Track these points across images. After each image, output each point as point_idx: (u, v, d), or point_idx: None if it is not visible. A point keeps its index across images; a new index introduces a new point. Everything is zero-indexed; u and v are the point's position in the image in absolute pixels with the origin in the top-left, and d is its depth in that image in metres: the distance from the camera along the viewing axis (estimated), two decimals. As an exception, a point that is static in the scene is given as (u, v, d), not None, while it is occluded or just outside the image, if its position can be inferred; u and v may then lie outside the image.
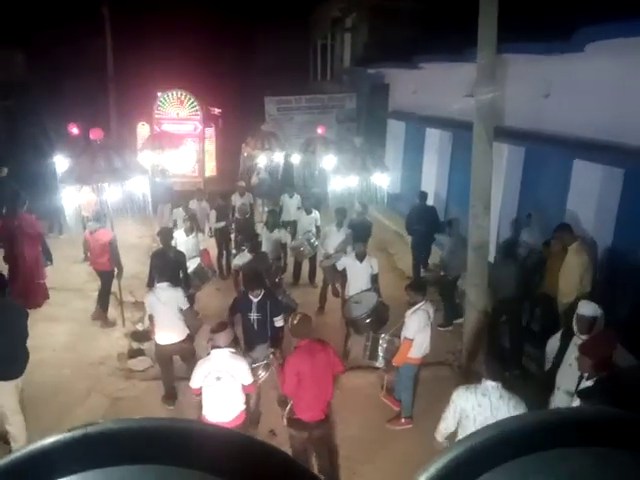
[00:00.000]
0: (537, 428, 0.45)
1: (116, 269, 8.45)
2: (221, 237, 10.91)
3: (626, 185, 7.50)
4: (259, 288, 6.32)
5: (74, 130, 14.14)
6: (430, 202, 10.97)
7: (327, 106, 17.29)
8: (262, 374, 5.53)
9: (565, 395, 4.95)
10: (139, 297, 9.23)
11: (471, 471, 0.43)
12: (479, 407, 4.32)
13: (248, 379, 5.03)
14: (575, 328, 5.02)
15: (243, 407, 5.07)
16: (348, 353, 7.53)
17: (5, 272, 8.70)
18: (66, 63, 19.62)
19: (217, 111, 19.99)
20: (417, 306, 6.13)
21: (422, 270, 10.55)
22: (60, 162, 11.79)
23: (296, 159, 14.47)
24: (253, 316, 6.29)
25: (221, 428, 0.48)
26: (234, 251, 10.31)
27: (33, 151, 13.80)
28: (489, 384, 4.35)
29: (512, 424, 0.46)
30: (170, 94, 15.56)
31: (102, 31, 18.31)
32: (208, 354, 5.11)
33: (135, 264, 9.97)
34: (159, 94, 15.71)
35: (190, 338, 6.60)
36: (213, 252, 10.16)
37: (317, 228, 10.13)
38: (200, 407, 5.11)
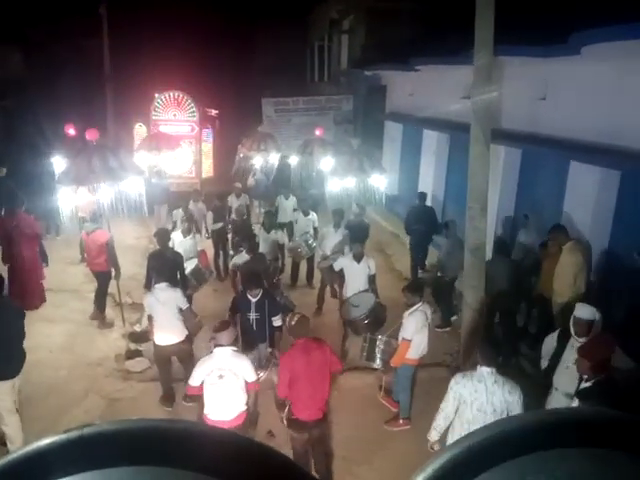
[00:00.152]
0: (535, 428, 0.45)
1: (113, 270, 8.44)
2: (218, 238, 10.90)
3: (622, 187, 7.53)
4: (258, 288, 6.32)
5: (71, 131, 14.12)
6: (427, 204, 11.01)
7: (324, 108, 17.30)
8: (261, 374, 5.53)
9: (562, 396, 4.97)
10: (136, 298, 9.23)
11: (468, 471, 0.43)
12: (476, 392, 4.45)
13: (252, 376, 5.03)
14: (572, 331, 5.01)
15: (244, 407, 5.07)
16: (346, 354, 7.53)
17: (4, 272, 8.72)
18: (63, 63, 19.57)
19: (214, 112, 19.97)
20: (414, 307, 6.15)
21: (420, 271, 10.58)
22: (57, 162, 11.77)
23: (294, 160, 14.47)
24: (252, 316, 6.30)
25: (218, 429, 0.48)
26: (231, 252, 10.32)
27: (30, 151, 13.76)
28: (484, 370, 4.48)
29: (510, 424, 0.46)
30: (167, 95, 15.54)
31: (99, 31, 18.30)
32: (210, 352, 5.11)
33: (132, 265, 9.96)
34: (156, 95, 15.69)
35: (189, 339, 6.59)
36: (210, 253, 10.15)
37: (315, 229, 10.13)
38: (201, 406, 5.10)
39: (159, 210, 12.73)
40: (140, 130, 16.12)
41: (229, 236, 10.85)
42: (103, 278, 8.59)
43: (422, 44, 12.48)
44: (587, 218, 7.79)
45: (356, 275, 7.72)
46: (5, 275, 8.70)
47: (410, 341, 6.04)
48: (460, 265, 7.96)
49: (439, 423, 4.79)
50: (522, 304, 8.53)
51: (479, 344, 4.90)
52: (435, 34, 12.03)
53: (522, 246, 8.54)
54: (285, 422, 5.17)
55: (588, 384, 4.27)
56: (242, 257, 7.97)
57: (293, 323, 5.14)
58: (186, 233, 8.83)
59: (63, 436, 0.44)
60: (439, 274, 8.94)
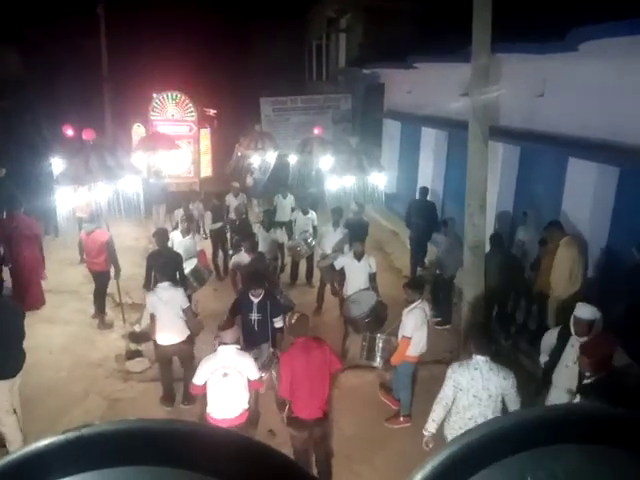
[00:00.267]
0: (534, 424, 0.45)
1: (114, 269, 8.45)
2: (217, 238, 10.90)
3: (621, 183, 7.54)
4: (261, 287, 6.32)
5: (69, 131, 14.11)
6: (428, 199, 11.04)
7: (323, 107, 17.30)
8: (263, 374, 5.54)
9: (561, 395, 4.98)
10: (136, 299, 9.23)
11: (468, 468, 0.43)
12: (472, 380, 4.59)
13: (255, 374, 5.05)
14: (573, 330, 4.99)
15: (247, 406, 5.08)
16: (346, 352, 7.54)
17: (5, 274, 8.76)
18: (61, 63, 19.53)
19: (212, 112, 19.96)
20: (414, 304, 6.15)
21: (419, 269, 10.60)
22: (56, 163, 11.77)
23: (292, 159, 14.48)
24: (254, 316, 6.29)
25: (219, 429, 0.48)
26: (231, 251, 10.31)
27: (29, 151, 13.75)
28: (479, 358, 4.63)
29: (509, 420, 0.46)
30: (165, 95, 15.53)
31: (97, 31, 18.28)
32: (215, 351, 5.12)
33: (131, 266, 9.95)
34: (154, 95, 15.68)
35: (190, 339, 6.58)
36: (209, 253, 10.15)
37: (314, 228, 10.13)
38: (203, 405, 5.11)
39: (157, 210, 12.73)
40: (138, 130, 16.11)
41: (228, 235, 10.86)
42: (102, 278, 8.59)
43: (420, 42, 12.48)
44: (586, 215, 7.80)
45: (357, 273, 7.72)
46: (6, 276, 8.80)
47: (410, 339, 6.04)
48: (459, 263, 7.98)
49: (438, 413, 4.83)
50: (522, 300, 8.58)
51: (473, 333, 5.01)
52: (433, 32, 12.02)
53: (521, 243, 8.55)
54: (285, 420, 5.18)
55: (589, 381, 4.28)
56: (242, 256, 7.97)
57: (293, 322, 5.15)
58: (185, 233, 8.83)
59: (62, 437, 0.44)
60: (438, 272, 8.95)
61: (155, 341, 6.54)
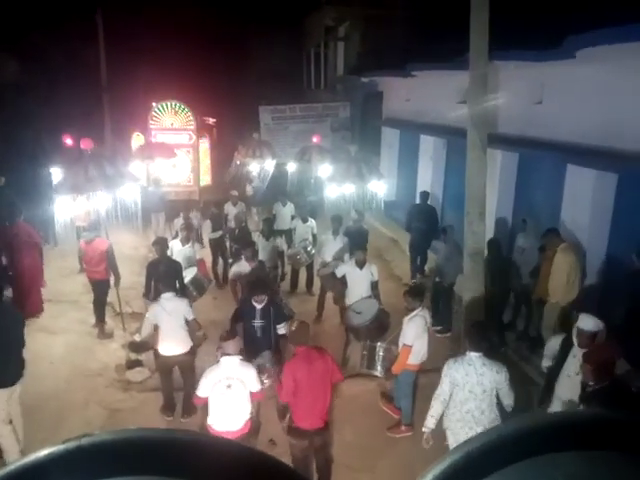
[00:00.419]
0: (533, 432, 0.45)
1: (114, 277, 8.45)
2: (217, 246, 10.90)
3: (620, 189, 7.54)
4: (264, 294, 6.31)
5: (68, 141, 14.13)
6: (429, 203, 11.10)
7: (321, 115, 17.35)
8: (266, 381, 5.52)
9: (563, 405, 4.95)
10: (136, 308, 9.22)
11: (469, 477, 0.43)
12: (467, 376, 4.78)
13: (257, 386, 5.02)
14: (575, 341, 4.96)
15: (249, 416, 5.06)
16: (347, 361, 7.51)
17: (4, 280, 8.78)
18: (60, 72, 19.59)
19: (212, 121, 20.01)
20: (414, 312, 6.13)
21: (418, 276, 10.60)
22: (55, 172, 11.78)
23: (291, 168, 14.51)
24: (257, 323, 6.28)
25: (219, 439, 0.48)
26: (230, 260, 10.31)
27: (28, 161, 13.78)
28: (473, 355, 4.82)
29: (509, 429, 0.46)
30: (165, 104, 15.58)
31: (96, 39, 18.34)
32: (217, 362, 5.10)
33: (131, 275, 9.94)
34: (154, 104, 15.73)
35: (193, 351, 6.56)
36: (208, 261, 10.14)
37: (314, 236, 10.13)
38: (203, 416, 5.08)
39: (157, 218, 12.74)
40: (138, 139, 16.15)
41: (227, 244, 10.86)
42: (101, 286, 8.58)
43: (418, 50, 12.52)
44: (585, 221, 7.80)
45: (359, 281, 7.70)
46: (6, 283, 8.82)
47: (411, 347, 6.02)
48: (458, 270, 7.98)
49: (436, 409, 5.00)
50: (521, 307, 8.57)
51: (467, 331, 5.19)
52: (430, 40, 12.07)
53: (521, 250, 8.55)
54: (285, 429, 5.16)
55: (591, 389, 4.26)
56: (242, 265, 7.96)
57: (293, 329, 5.15)
58: (185, 242, 8.83)
59: (61, 447, 0.44)
60: (437, 279, 8.93)
61: (157, 351, 6.52)
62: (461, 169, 7.43)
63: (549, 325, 7.37)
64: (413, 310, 6.15)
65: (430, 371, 6.95)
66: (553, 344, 5.40)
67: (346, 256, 8.60)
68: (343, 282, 7.91)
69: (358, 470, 5.72)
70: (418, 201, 11.29)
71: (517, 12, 8.73)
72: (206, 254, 10.53)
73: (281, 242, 9.82)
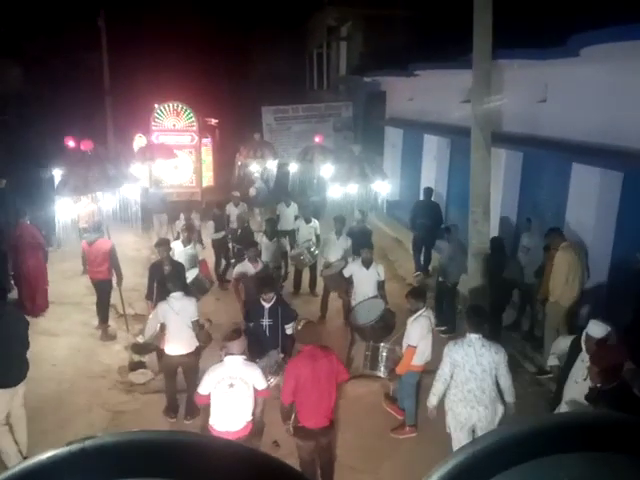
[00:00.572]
0: (539, 433, 0.44)
1: (116, 277, 8.47)
2: (219, 247, 10.90)
3: (625, 188, 7.50)
4: (272, 291, 6.31)
5: (70, 143, 14.16)
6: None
7: (324, 115, 17.36)
8: (272, 380, 5.50)
9: (570, 410, 4.92)
10: (138, 310, 9.21)
11: (474, 478, 0.43)
12: (466, 356, 4.98)
13: (262, 384, 5.00)
14: (584, 347, 4.89)
15: (250, 418, 5.04)
16: (351, 361, 7.48)
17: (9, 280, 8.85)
18: (62, 76, 19.68)
19: (214, 122, 20.04)
20: (418, 313, 6.10)
21: (418, 273, 10.62)
22: (58, 175, 11.81)
23: (293, 168, 14.51)
24: (265, 322, 6.27)
25: (223, 440, 0.47)
26: (232, 260, 10.31)
27: (31, 163, 13.81)
28: (472, 336, 5.02)
29: (514, 430, 0.45)
30: (167, 106, 15.59)
31: (98, 43, 18.40)
32: (221, 361, 5.09)
33: (133, 276, 9.94)
34: (156, 106, 15.75)
35: (198, 352, 6.55)
36: (211, 262, 10.13)
37: (317, 237, 10.12)
38: (205, 417, 5.06)
39: (159, 219, 12.75)
40: (140, 141, 16.18)
41: (230, 245, 10.86)
42: (104, 287, 8.60)
43: (421, 49, 12.51)
44: (590, 220, 7.76)
45: (365, 281, 7.69)
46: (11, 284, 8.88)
47: (415, 347, 5.99)
48: (462, 269, 7.95)
49: (438, 388, 5.22)
50: (527, 307, 8.54)
51: (466, 313, 5.40)
52: (433, 39, 12.05)
53: (526, 249, 8.52)
54: (291, 430, 5.13)
55: (598, 390, 4.22)
56: (245, 265, 7.95)
57: (300, 328, 5.14)
58: (186, 243, 8.82)
59: (65, 449, 0.44)
60: (440, 279, 8.90)
61: (162, 351, 6.51)
62: (465, 168, 7.41)
63: (550, 325, 7.33)
64: (416, 311, 6.12)
65: (434, 372, 6.93)
66: (562, 345, 5.36)
67: (349, 257, 8.58)
68: (350, 282, 7.89)
69: (361, 471, 5.69)
70: (422, 197, 11.28)
71: (520, 12, 8.70)
72: (208, 255, 10.52)
73: (285, 242, 9.82)
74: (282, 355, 6.20)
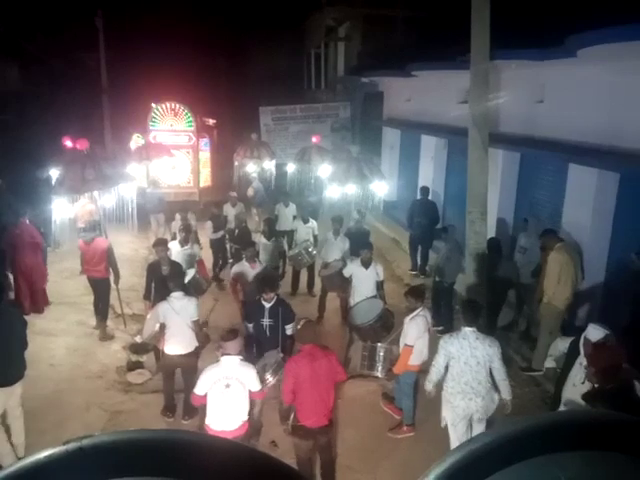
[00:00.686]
0: (537, 432, 0.44)
1: (114, 276, 8.45)
2: (217, 247, 10.88)
3: (622, 189, 7.52)
4: (273, 291, 6.31)
5: (68, 143, 14.14)
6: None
7: (322, 115, 17.36)
8: (270, 379, 5.50)
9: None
10: (136, 310, 9.20)
11: (471, 477, 0.43)
12: (461, 349, 5.11)
13: (257, 386, 5.01)
14: (582, 351, 4.89)
15: (246, 417, 5.04)
16: (349, 361, 7.49)
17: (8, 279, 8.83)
18: (61, 75, 19.65)
19: (212, 122, 20.02)
20: (415, 312, 6.10)
21: (414, 272, 10.62)
22: (54, 175, 11.79)
23: (290, 168, 14.51)
24: (265, 322, 6.27)
25: (221, 439, 0.47)
26: (230, 260, 10.29)
27: (30, 165, 13.79)
28: (467, 329, 5.16)
29: (512, 428, 0.45)
30: (164, 105, 15.58)
31: (96, 43, 18.37)
32: (217, 361, 5.09)
33: (131, 276, 9.93)
34: (153, 105, 15.73)
35: (197, 352, 6.54)
36: (208, 262, 10.12)
37: (314, 237, 10.11)
38: (202, 416, 5.06)
39: (156, 219, 12.73)
40: (138, 141, 16.16)
41: (227, 245, 10.84)
42: (101, 285, 8.57)
43: (418, 50, 12.53)
44: (587, 220, 7.78)
45: (364, 281, 7.68)
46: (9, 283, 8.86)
47: (412, 347, 5.99)
48: (459, 269, 7.96)
49: (432, 377, 5.42)
50: (524, 307, 8.55)
51: (461, 307, 5.54)
52: (431, 40, 12.07)
53: (523, 250, 8.53)
54: (290, 429, 5.13)
55: (595, 389, 4.24)
56: (243, 265, 7.94)
57: (299, 328, 5.15)
58: (183, 243, 8.81)
59: (62, 448, 0.44)
60: (437, 279, 8.91)
61: (162, 351, 6.50)
62: (462, 169, 7.43)
63: (544, 325, 7.33)
64: (414, 310, 6.13)
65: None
66: (560, 347, 5.37)
67: (348, 257, 8.58)
68: (349, 281, 7.89)
69: (359, 471, 5.70)
70: (419, 196, 11.28)
71: (518, 12, 8.72)
72: (206, 255, 10.50)
73: (282, 243, 9.80)
74: (282, 355, 6.19)
